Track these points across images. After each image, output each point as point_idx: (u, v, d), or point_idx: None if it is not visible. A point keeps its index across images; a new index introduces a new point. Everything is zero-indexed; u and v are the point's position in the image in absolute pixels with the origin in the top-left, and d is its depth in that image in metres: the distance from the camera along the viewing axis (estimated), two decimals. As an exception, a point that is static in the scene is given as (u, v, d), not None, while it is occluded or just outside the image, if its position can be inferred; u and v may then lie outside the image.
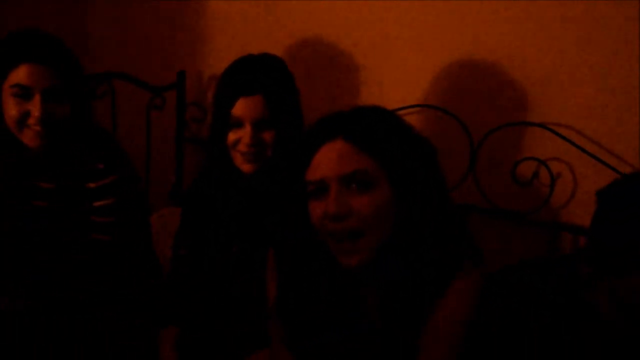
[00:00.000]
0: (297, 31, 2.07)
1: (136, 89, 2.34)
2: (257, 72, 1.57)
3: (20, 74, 1.52)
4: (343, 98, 2.00)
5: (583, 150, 1.65)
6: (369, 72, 1.96)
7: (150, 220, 1.96)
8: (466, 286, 1.14)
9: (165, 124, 2.36)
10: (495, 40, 1.76)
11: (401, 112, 1.81)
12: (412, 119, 1.84)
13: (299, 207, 1.17)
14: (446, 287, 1.13)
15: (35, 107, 1.52)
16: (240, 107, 1.54)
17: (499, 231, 1.80)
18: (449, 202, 1.20)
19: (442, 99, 1.84)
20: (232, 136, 1.56)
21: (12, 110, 1.53)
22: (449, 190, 1.23)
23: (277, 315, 1.25)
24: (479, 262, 1.18)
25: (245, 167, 1.57)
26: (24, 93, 1.52)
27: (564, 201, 1.73)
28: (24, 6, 2.32)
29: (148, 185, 2.35)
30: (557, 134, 1.69)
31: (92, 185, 1.62)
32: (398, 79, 1.91)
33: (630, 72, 1.59)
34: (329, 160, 1.13)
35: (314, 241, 1.16)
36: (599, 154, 1.64)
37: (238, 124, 1.55)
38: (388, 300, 1.14)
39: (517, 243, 1.79)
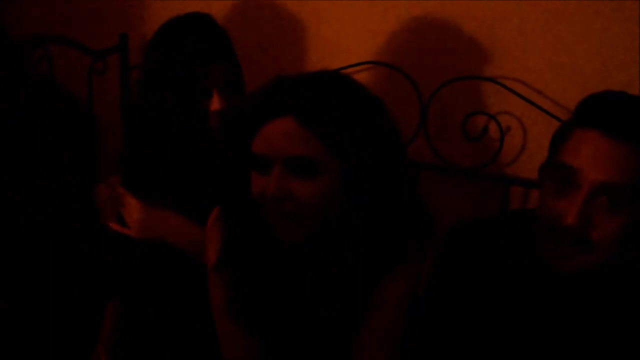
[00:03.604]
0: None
1: (75, 53, 2.25)
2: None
3: None
4: (292, 57, 1.96)
5: (532, 103, 1.66)
6: (318, 30, 1.92)
7: (99, 187, 1.90)
8: (406, 268, 1.14)
9: (109, 90, 2.28)
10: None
11: (350, 70, 1.78)
12: (362, 76, 1.82)
13: (244, 174, 1.13)
14: (385, 272, 1.13)
15: None
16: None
17: (451, 187, 1.81)
18: (405, 183, 1.16)
19: (393, 56, 1.82)
20: None
21: None
22: (405, 158, 1.20)
23: (220, 274, 1.22)
24: (426, 239, 1.17)
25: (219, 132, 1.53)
26: None
27: (514, 155, 1.73)
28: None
29: (95, 155, 2.28)
30: (506, 87, 1.68)
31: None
32: (348, 36, 1.87)
33: (586, 31, 1.59)
34: (276, 138, 1.07)
35: (257, 210, 1.13)
36: (549, 108, 1.65)
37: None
38: (323, 284, 1.13)
39: (470, 199, 1.80)
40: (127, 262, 1.61)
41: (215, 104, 1.46)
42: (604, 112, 1.04)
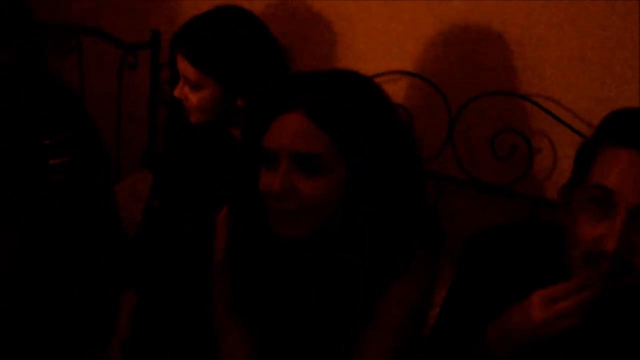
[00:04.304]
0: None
1: (107, 46, 2.25)
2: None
3: None
4: (322, 64, 1.93)
5: (563, 122, 1.61)
6: (347, 38, 1.89)
7: (120, 185, 1.90)
8: (412, 279, 1.12)
9: (138, 85, 2.28)
10: (481, 9, 1.70)
11: (380, 79, 1.75)
12: (390, 86, 1.78)
13: (252, 170, 1.12)
14: (390, 280, 1.11)
15: None
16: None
17: (477, 204, 1.77)
18: (414, 190, 1.14)
19: (421, 66, 1.79)
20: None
21: None
22: (421, 169, 1.18)
23: (223, 270, 1.21)
24: (435, 250, 1.14)
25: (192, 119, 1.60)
26: None
27: (543, 175, 1.69)
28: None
29: (119, 149, 2.28)
30: (538, 105, 1.64)
31: (47, 142, 1.53)
32: (377, 45, 1.84)
33: (619, 52, 1.56)
34: (285, 133, 1.06)
35: (261, 206, 1.11)
36: (580, 129, 1.60)
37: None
38: (326, 286, 1.11)
39: (495, 217, 1.75)
40: (142, 256, 1.63)
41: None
42: (634, 130, 1.00)
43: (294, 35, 1.97)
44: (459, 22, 1.73)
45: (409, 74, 1.79)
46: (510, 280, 1.14)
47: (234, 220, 1.20)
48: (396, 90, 1.76)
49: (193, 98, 1.56)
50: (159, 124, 2.28)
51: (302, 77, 1.11)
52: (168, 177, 1.67)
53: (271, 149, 1.07)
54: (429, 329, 1.19)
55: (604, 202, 1.00)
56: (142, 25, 2.25)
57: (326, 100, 1.06)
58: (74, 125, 1.54)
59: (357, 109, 1.07)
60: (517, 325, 1.02)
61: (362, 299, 1.10)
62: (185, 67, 1.54)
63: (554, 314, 0.98)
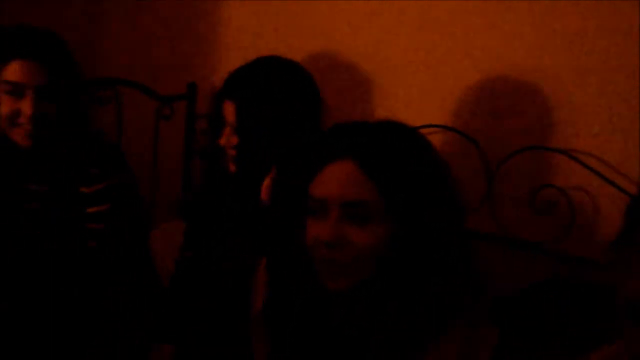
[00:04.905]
0: (312, 46, 2.01)
1: (144, 97, 2.29)
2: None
3: (11, 71, 1.47)
4: (362, 113, 1.92)
5: (607, 180, 1.57)
6: (384, 91, 1.89)
7: (154, 233, 1.90)
8: (459, 331, 1.07)
9: (174, 136, 2.30)
10: (517, 64, 1.69)
11: (417, 132, 1.74)
12: (430, 139, 1.76)
13: (297, 220, 1.10)
14: (432, 338, 1.06)
15: (26, 105, 1.47)
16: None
17: (515, 263, 1.71)
18: (458, 241, 1.11)
19: (458, 120, 1.77)
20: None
21: (3, 107, 1.48)
22: (463, 222, 1.15)
23: (262, 324, 1.18)
24: (478, 309, 1.10)
25: (232, 167, 1.61)
26: (15, 90, 1.47)
27: (585, 234, 1.64)
28: (34, 7, 2.28)
29: (154, 198, 2.29)
30: (579, 161, 1.60)
31: (85, 190, 1.55)
32: (416, 98, 1.84)
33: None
34: (334, 181, 1.05)
35: (307, 257, 1.09)
36: (623, 185, 1.56)
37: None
38: (366, 333, 1.07)
39: (534, 276, 1.69)
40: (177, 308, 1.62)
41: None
42: None
43: (333, 86, 1.98)
44: (499, 76, 1.72)
45: (447, 128, 1.78)
46: (554, 342, 1.10)
47: (274, 272, 1.17)
48: (434, 144, 1.74)
49: None
50: (193, 174, 2.29)
51: (351, 126, 1.10)
52: (201, 227, 1.67)
53: (321, 197, 1.06)
54: None
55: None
56: (178, 77, 2.29)
57: (375, 150, 1.05)
58: (113, 174, 1.56)
59: (405, 159, 1.07)
60: None
61: (407, 352, 1.07)
62: (234, 114, 1.56)
63: None
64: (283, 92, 1.57)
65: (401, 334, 1.06)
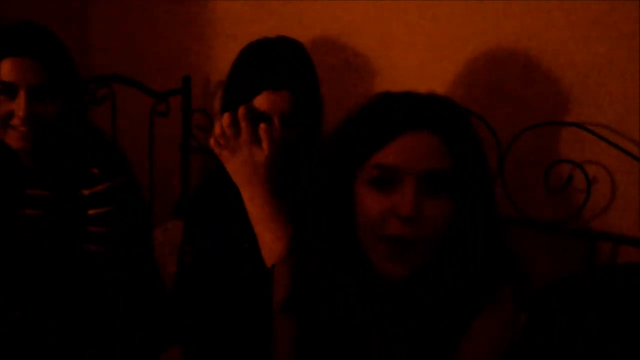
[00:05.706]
0: (308, 36, 1.96)
1: (139, 94, 2.23)
2: (285, 64, 1.49)
3: (4, 70, 1.38)
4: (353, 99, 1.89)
5: (624, 151, 1.53)
6: (395, 75, 1.85)
7: (154, 233, 1.85)
8: (500, 315, 1.05)
9: (170, 132, 2.25)
10: (523, 36, 1.65)
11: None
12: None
13: (342, 194, 1.03)
14: (480, 310, 1.04)
15: (19, 107, 1.38)
16: (265, 101, 1.45)
17: (531, 242, 1.67)
18: (499, 214, 1.09)
19: (466, 99, 1.72)
20: None
21: None
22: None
23: (289, 318, 1.12)
24: (520, 291, 1.07)
25: None
26: (7, 90, 1.39)
27: (601, 208, 1.60)
28: (23, 4, 2.21)
29: (152, 197, 2.24)
30: (594, 133, 1.56)
31: (85, 192, 1.48)
32: (425, 78, 1.79)
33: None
34: (413, 151, 0.99)
35: (352, 238, 1.02)
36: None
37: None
38: (420, 314, 1.03)
39: (551, 255, 1.65)
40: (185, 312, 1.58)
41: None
42: None
43: (329, 75, 1.93)
44: (508, 52, 1.67)
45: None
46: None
47: (299, 260, 1.11)
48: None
49: None
50: (191, 171, 2.24)
51: (421, 96, 1.06)
52: (201, 222, 1.61)
53: (393, 165, 1.00)
54: None
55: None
56: (172, 72, 2.24)
57: (451, 122, 1.02)
58: (115, 175, 1.49)
59: (475, 133, 1.04)
60: None
61: (448, 335, 1.03)
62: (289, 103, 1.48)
63: None
64: (313, 75, 1.54)
65: (443, 324, 1.03)
